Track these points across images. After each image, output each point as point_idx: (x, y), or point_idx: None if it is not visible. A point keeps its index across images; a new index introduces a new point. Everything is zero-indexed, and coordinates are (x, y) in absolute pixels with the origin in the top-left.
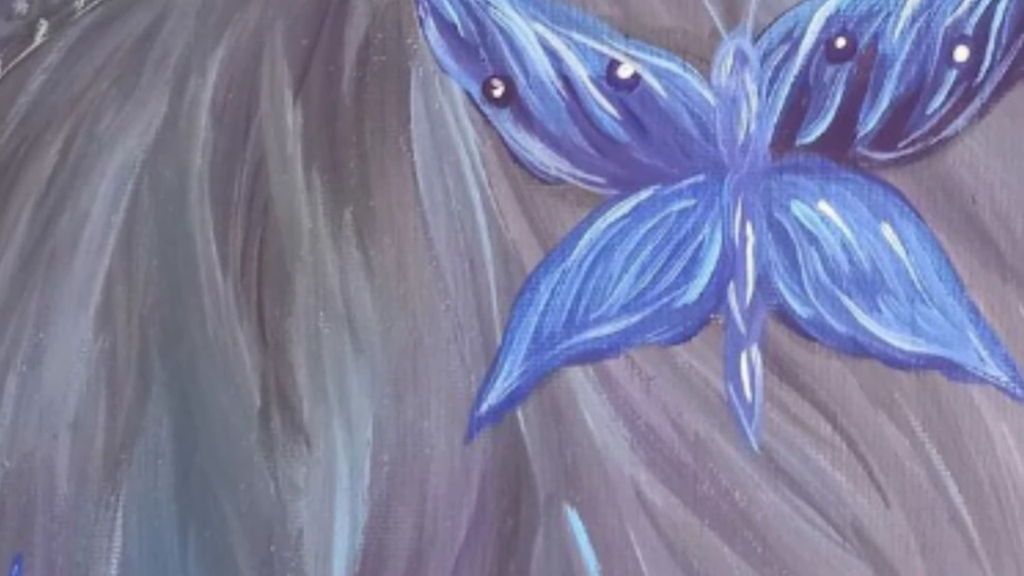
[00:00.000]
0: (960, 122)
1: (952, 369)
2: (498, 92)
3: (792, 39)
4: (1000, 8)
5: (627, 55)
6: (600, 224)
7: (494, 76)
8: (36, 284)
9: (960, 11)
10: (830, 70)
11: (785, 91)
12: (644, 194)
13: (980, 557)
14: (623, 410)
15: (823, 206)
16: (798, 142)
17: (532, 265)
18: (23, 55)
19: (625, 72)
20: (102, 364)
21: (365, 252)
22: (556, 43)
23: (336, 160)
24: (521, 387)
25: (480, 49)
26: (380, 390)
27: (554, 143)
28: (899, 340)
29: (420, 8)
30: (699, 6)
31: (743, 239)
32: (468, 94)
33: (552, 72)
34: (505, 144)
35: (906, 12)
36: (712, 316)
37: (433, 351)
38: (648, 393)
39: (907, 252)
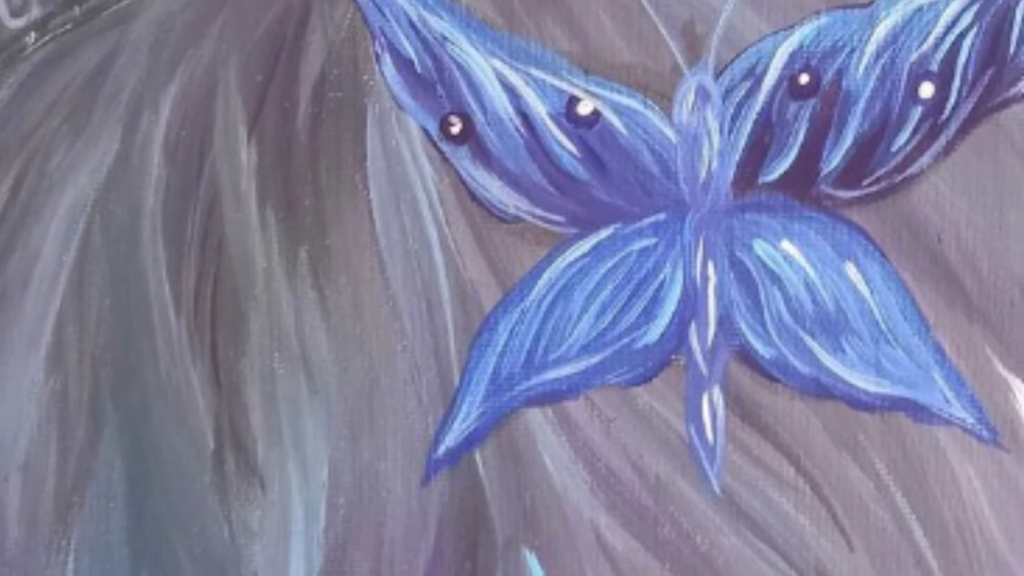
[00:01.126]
0: (925, 160)
1: (917, 411)
2: (456, 129)
3: (755, 75)
4: (966, 44)
5: (587, 91)
6: (559, 263)
7: (451, 113)
8: None
9: (925, 47)
10: (793, 107)
11: (747, 128)
12: (604, 233)
13: None
14: (583, 452)
15: (786, 245)
16: (761, 180)
17: (490, 305)
18: None
19: (585, 109)
20: (53, 405)
21: (320, 291)
22: (514, 79)
23: (291, 198)
24: (479, 429)
25: (437, 85)
26: (336, 432)
27: (513, 181)
28: (863, 381)
29: (376, 44)
30: (660, 42)
31: (705, 278)
32: (425, 131)
33: (510, 109)
34: (463, 182)
35: (870, 48)
36: (673, 357)
37: (390, 392)
38: (608, 435)
39: (871, 292)
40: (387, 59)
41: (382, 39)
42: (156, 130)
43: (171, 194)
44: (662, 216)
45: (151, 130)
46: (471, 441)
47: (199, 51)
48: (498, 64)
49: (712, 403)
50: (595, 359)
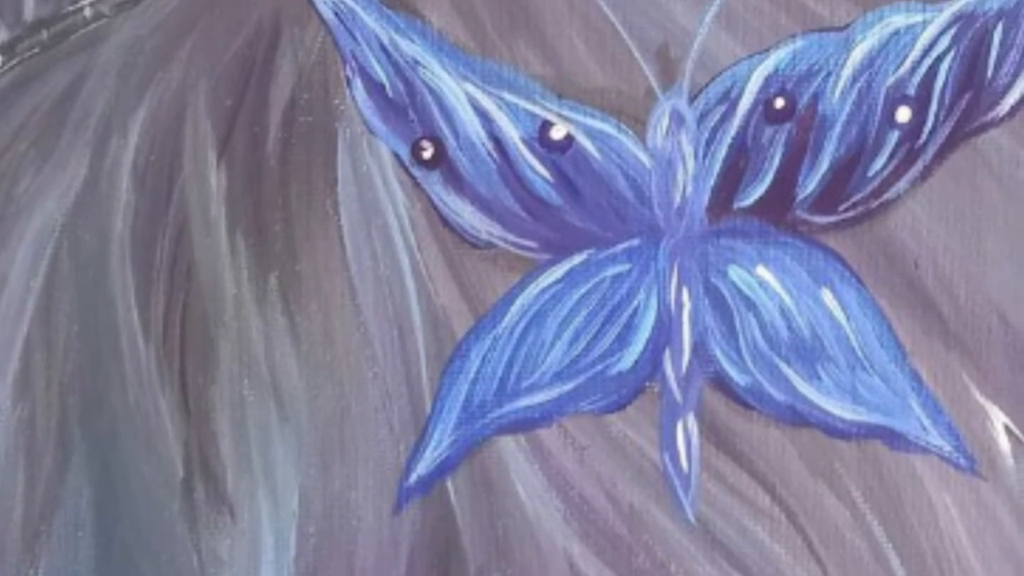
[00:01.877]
0: (902, 185)
1: (894, 438)
2: (427, 154)
3: (729, 99)
4: (943, 67)
5: (560, 116)
6: (532, 289)
7: (423, 137)
8: None
9: (902, 71)
10: (768, 131)
11: (722, 153)
12: (577, 259)
13: None
14: (556, 480)
15: (761, 271)
16: (736, 205)
17: (462, 332)
18: None
19: (558, 133)
20: (20, 433)
21: (291, 318)
22: (487, 103)
23: (261, 224)
24: (451, 457)
25: (409, 110)
26: (306, 460)
27: (485, 206)
28: (839, 409)
29: (347, 68)
30: (634, 65)
31: (679, 305)
32: (397, 156)
33: (483, 133)
34: (435, 207)
35: (847, 72)
36: (647, 384)
37: (361, 420)
38: (581, 463)
39: (848, 318)
40: (358, 83)
41: (353, 63)
42: (125, 155)
43: (140, 219)
44: (636, 242)
45: (119, 155)
46: (443, 469)
47: (168, 75)
48: (470, 88)
49: (686, 431)
50: (568, 386)
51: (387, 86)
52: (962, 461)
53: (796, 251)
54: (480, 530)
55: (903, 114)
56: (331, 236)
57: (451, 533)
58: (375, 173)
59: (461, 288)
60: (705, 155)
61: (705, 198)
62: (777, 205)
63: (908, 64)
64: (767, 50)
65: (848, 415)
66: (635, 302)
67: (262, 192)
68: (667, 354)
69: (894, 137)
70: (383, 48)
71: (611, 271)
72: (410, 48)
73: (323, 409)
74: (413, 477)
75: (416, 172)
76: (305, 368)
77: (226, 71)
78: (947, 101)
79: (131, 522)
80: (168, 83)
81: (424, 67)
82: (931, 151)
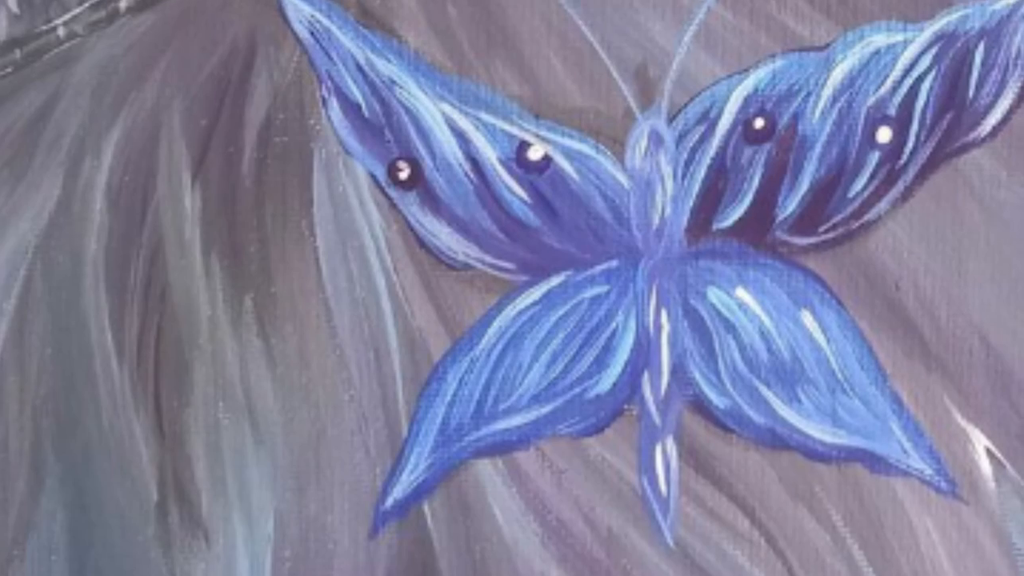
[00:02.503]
0: (883, 206)
1: (874, 462)
2: (404, 174)
3: (708, 120)
4: (924, 87)
5: (537, 136)
6: (510, 311)
7: (400, 158)
8: None
9: (883, 91)
10: (748, 152)
11: (701, 173)
12: (555, 280)
13: None
14: (533, 504)
15: (741, 293)
16: (715, 226)
17: (439, 354)
18: None
19: (535, 154)
20: None
21: (266, 340)
22: (464, 124)
23: (236, 245)
24: (428, 480)
25: (385, 130)
26: (281, 483)
27: (462, 227)
28: (819, 432)
29: (323, 88)
30: (612, 85)
31: (658, 327)
32: (373, 176)
33: (460, 154)
34: (411, 228)
35: (827, 92)
36: (626, 407)
37: (337, 443)
38: (559, 487)
39: (828, 340)
40: (334, 103)
41: (329, 83)
42: (98, 176)
43: (113, 241)
44: (614, 263)
45: (93, 176)
46: (420, 493)
47: (142, 95)
48: (447, 108)
49: (665, 454)
50: (546, 409)
51: (363, 106)
52: (943, 484)
53: (776, 273)
54: (457, 554)
55: (884, 134)
56: (307, 257)
57: (428, 557)
58: (351, 194)
59: (438, 310)
60: (684, 176)
61: (684, 219)
62: (757, 226)
63: (889, 84)
64: (747, 70)
65: (828, 438)
66: (613, 324)
67: (237, 213)
68: (646, 377)
69: (875, 158)
70: (359, 68)
71: (589, 293)
72: (386, 68)
73: (298, 432)
74: (389, 501)
75: (392, 193)
76: (280, 391)
77: (201, 91)
78: (928, 121)
79: (105, 546)
80: (142, 103)
81: (401, 87)
82: (912, 172)
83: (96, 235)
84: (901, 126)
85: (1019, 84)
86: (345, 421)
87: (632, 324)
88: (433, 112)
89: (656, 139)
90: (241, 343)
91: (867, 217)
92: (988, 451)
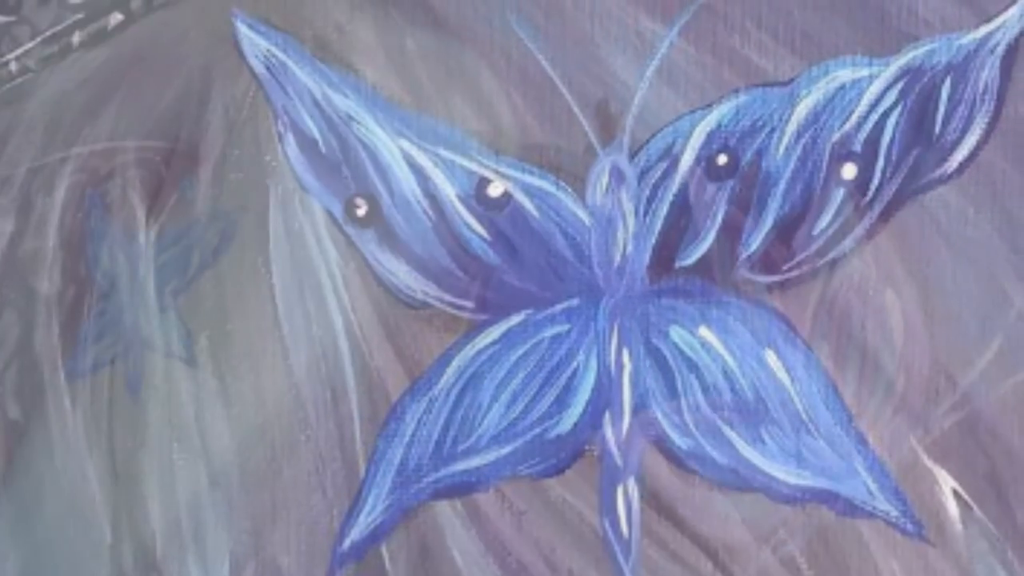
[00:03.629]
0: (848, 243)
1: (840, 503)
2: (361, 211)
3: (671, 156)
4: (890, 123)
5: (497, 172)
6: (469, 351)
7: (357, 195)
8: None
9: (848, 126)
10: (711, 188)
11: (663, 211)
12: (515, 319)
13: None
14: (493, 546)
15: (704, 332)
16: (677, 264)
17: (397, 394)
18: None
19: (495, 191)
20: None
21: (221, 379)
22: (422, 160)
23: (191, 282)
24: (386, 522)
25: (342, 166)
26: (237, 525)
27: (420, 265)
28: (784, 473)
29: (279, 123)
30: (573, 121)
31: (619, 366)
32: (330, 213)
33: (418, 191)
34: (369, 266)
35: (791, 127)
36: (587, 447)
37: (293, 484)
38: (519, 528)
39: (792, 380)
40: (290, 139)
41: (285, 118)
42: (51, 212)
43: (67, 278)
44: (575, 301)
45: (46, 212)
46: (377, 535)
47: (96, 131)
48: (405, 144)
49: (627, 495)
50: (506, 450)
51: (320, 142)
52: (909, 526)
53: (739, 311)
54: None
55: (849, 171)
56: (263, 295)
57: None
58: (308, 231)
59: (396, 349)
60: (646, 213)
61: (646, 257)
62: (720, 264)
63: (854, 120)
64: (710, 105)
65: (793, 479)
66: (574, 363)
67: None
68: (607, 417)
69: (840, 194)
70: (316, 103)
71: (549, 332)
72: (343, 103)
73: (254, 473)
74: (347, 543)
75: (350, 230)
76: (236, 431)
77: (155, 126)
78: (894, 157)
79: None
80: (96, 139)
81: (358, 122)
82: (877, 209)
83: (48, 273)
84: (866, 162)
85: (986, 120)
86: (302, 462)
87: (593, 363)
88: (391, 148)
89: (618, 175)
90: (196, 382)
91: (832, 255)
92: (955, 492)
